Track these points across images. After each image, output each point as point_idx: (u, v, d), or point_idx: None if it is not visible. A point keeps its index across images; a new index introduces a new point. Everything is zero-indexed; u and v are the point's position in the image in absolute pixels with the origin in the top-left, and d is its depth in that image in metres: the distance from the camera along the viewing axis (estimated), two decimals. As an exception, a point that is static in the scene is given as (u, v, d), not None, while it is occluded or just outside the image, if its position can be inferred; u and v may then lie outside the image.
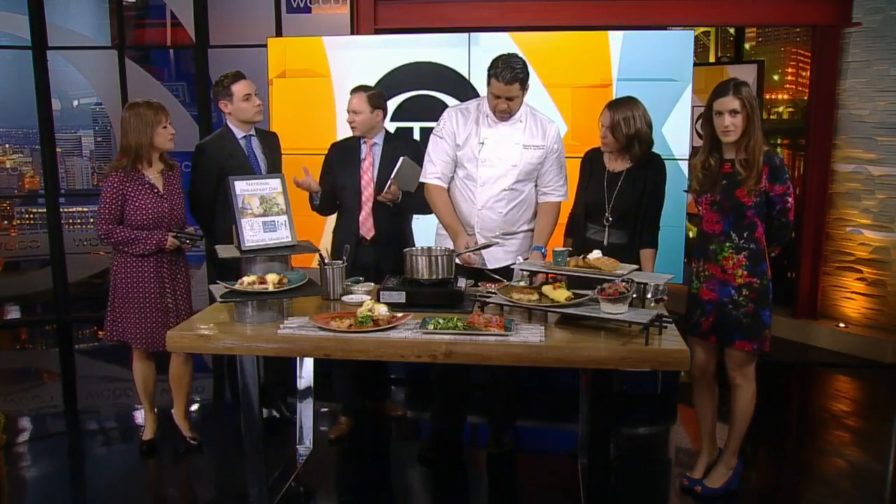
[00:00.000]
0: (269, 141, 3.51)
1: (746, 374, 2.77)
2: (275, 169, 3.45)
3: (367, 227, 3.32)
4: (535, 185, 3.08)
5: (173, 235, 3.09)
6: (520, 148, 2.98)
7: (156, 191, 3.09)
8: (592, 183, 3.06)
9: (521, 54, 2.94)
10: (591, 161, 3.12)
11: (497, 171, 2.98)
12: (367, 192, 3.30)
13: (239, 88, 3.30)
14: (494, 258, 3.04)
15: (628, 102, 2.96)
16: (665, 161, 3.07)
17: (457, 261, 2.74)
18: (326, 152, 3.44)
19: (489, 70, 2.87)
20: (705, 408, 2.95)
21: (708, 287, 2.75)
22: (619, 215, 3.00)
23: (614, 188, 3.00)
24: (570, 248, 2.84)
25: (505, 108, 2.90)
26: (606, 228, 3.03)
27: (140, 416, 3.74)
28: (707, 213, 2.74)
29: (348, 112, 3.31)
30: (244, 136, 3.39)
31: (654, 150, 3.06)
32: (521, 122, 2.99)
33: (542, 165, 3.03)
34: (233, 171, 3.09)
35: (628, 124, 2.90)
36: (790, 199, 2.66)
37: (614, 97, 3.95)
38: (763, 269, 2.69)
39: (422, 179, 3.08)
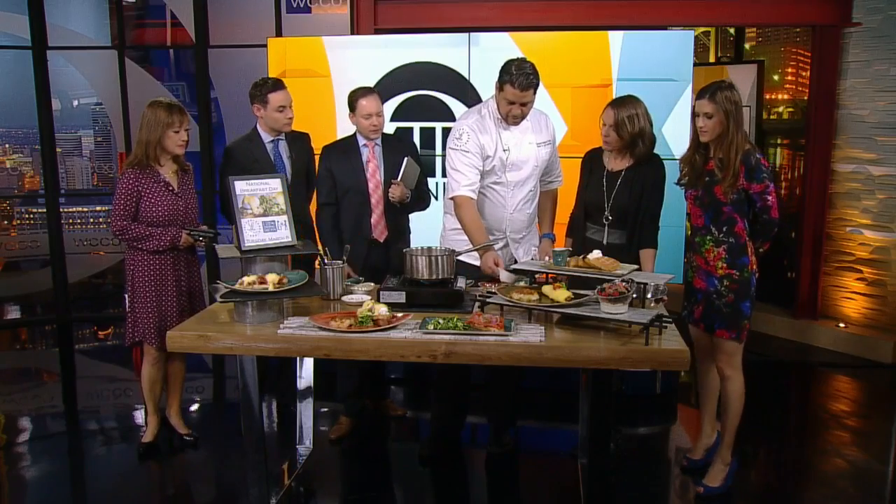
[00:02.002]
0: (298, 143, 3.47)
1: (734, 364, 2.85)
2: (302, 171, 3.44)
3: (379, 230, 3.33)
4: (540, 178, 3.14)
5: (187, 233, 3.11)
6: (534, 147, 3.02)
7: (171, 188, 3.11)
8: (592, 182, 3.09)
9: (521, 54, 2.95)
10: (591, 161, 3.15)
11: (523, 173, 3.01)
12: (378, 195, 3.29)
13: (275, 98, 3.28)
14: (518, 252, 3.10)
15: (631, 101, 2.98)
16: (665, 161, 3.07)
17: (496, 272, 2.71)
18: (320, 156, 3.37)
19: (502, 76, 2.85)
20: (708, 388, 3.05)
21: (698, 277, 2.87)
22: (618, 214, 3.02)
23: (613, 187, 3.02)
24: (570, 249, 2.85)
25: (519, 114, 2.89)
26: (606, 228, 3.05)
27: (140, 416, 3.75)
28: (692, 207, 2.86)
29: (368, 116, 3.22)
30: (272, 141, 3.39)
31: (654, 149, 3.08)
32: (527, 121, 3.00)
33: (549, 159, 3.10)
34: (258, 173, 3.05)
35: (632, 122, 2.92)
36: (769, 198, 2.70)
37: (614, 97, 3.96)
38: (744, 262, 2.76)
39: (454, 193, 2.92)
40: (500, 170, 2.99)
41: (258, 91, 3.30)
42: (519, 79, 2.79)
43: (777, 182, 5.71)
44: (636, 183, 2.99)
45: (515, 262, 3.03)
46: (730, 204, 2.71)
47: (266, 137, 3.37)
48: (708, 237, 2.80)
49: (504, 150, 2.96)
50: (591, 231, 3.11)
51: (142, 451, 3.27)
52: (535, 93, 2.87)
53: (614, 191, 3.02)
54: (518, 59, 2.88)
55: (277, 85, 3.33)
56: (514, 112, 2.88)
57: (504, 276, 2.69)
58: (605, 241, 3.04)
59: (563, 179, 3.24)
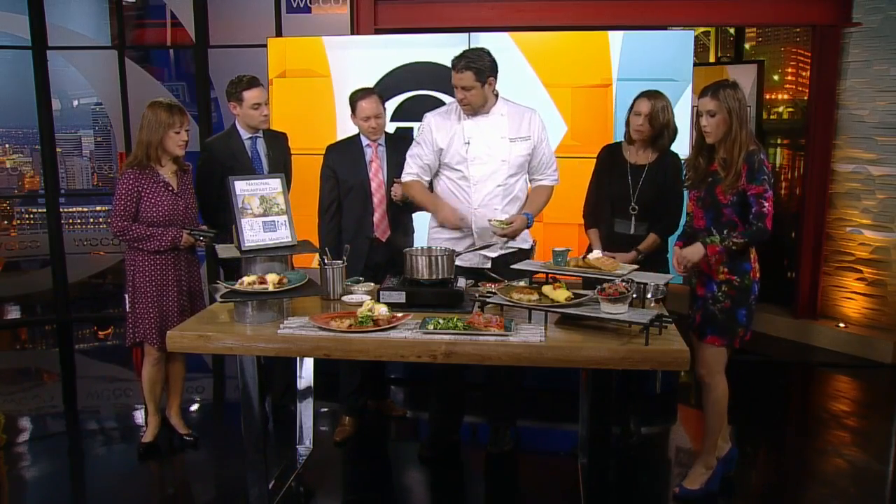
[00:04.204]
0: (276, 142, 3.52)
1: (714, 373, 2.77)
2: (278, 170, 3.46)
3: (382, 229, 3.34)
4: (528, 175, 3.11)
5: (188, 232, 3.12)
6: (506, 142, 2.98)
7: (170, 189, 3.11)
8: (615, 177, 3.14)
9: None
10: (611, 155, 3.21)
11: (488, 167, 2.98)
12: (380, 194, 3.30)
13: (250, 96, 3.32)
14: (492, 250, 3.02)
15: (659, 93, 3.08)
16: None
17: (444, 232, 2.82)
18: (324, 155, 3.40)
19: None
20: None
21: (699, 282, 2.81)
22: (643, 206, 3.10)
23: (638, 180, 3.10)
24: (570, 248, 2.85)
25: (462, 98, 2.90)
26: (633, 218, 3.11)
27: (140, 416, 3.75)
28: (694, 208, 2.81)
29: (367, 118, 3.25)
30: (250, 138, 3.43)
31: None
32: (502, 115, 2.99)
33: (533, 157, 3.04)
34: (235, 171, 3.15)
35: (664, 113, 3.04)
36: (766, 204, 2.58)
37: (614, 97, 3.97)
38: (745, 268, 2.68)
39: (403, 179, 3.11)
40: (461, 163, 2.98)
41: (233, 89, 3.35)
42: (456, 61, 2.83)
43: (777, 182, 5.71)
44: (659, 175, 3.08)
45: (489, 260, 3.02)
46: (729, 206, 2.65)
47: (244, 134, 3.42)
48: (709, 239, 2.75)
49: (465, 143, 2.95)
50: (617, 225, 3.17)
51: (142, 450, 3.27)
52: (478, 79, 2.84)
53: (640, 184, 3.09)
54: (476, 47, 2.94)
55: (252, 83, 3.35)
56: (458, 97, 2.91)
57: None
58: (632, 232, 3.11)
59: (558, 178, 3.17)
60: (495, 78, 2.92)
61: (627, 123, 3.13)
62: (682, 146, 3.95)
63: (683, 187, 2.91)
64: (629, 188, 3.11)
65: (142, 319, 3.13)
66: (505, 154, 2.97)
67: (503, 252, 3.03)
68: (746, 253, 2.69)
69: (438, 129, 2.99)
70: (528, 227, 3.01)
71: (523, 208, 3.06)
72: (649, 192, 3.09)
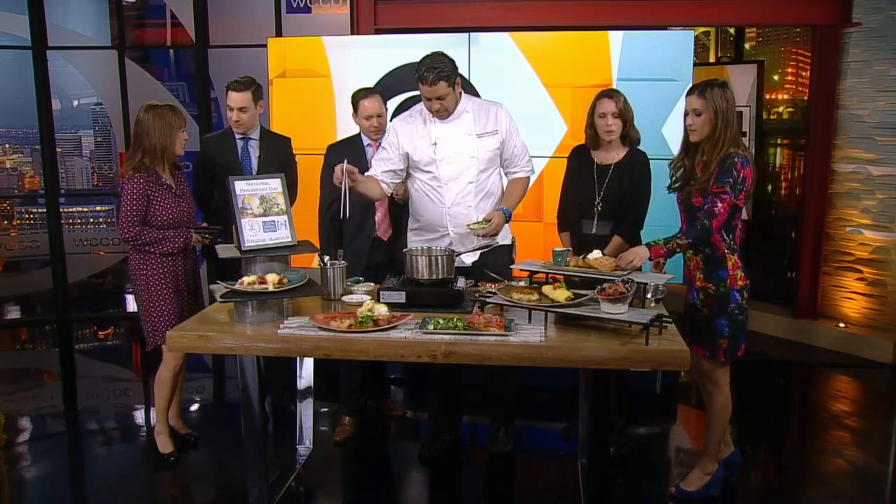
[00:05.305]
0: (273, 145, 3.51)
1: (714, 380, 2.73)
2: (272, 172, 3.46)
3: (384, 228, 3.35)
4: (502, 169, 3.08)
5: (194, 231, 3.12)
6: (474, 139, 2.96)
7: (173, 191, 3.10)
8: (582, 177, 3.14)
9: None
10: (579, 156, 3.21)
11: (458, 165, 2.96)
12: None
13: (229, 97, 3.34)
14: (464, 246, 2.95)
15: (617, 90, 3.14)
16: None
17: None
18: (325, 154, 3.41)
19: (415, 74, 2.86)
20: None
21: (688, 288, 2.77)
22: (608, 206, 3.09)
23: (604, 180, 3.09)
24: (570, 249, 2.85)
25: (438, 108, 2.89)
26: (595, 220, 3.10)
27: (140, 415, 3.75)
28: (679, 211, 2.76)
29: (369, 118, 3.27)
30: (242, 138, 3.44)
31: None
32: (467, 112, 2.97)
33: (504, 150, 3.01)
34: (224, 170, 3.17)
35: (628, 108, 3.08)
36: (720, 205, 2.51)
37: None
38: (721, 275, 2.61)
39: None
40: (430, 164, 2.97)
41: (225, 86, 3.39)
42: (426, 74, 2.80)
43: (777, 182, 5.71)
44: (625, 174, 3.07)
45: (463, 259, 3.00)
46: (700, 209, 2.57)
47: (236, 134, 3.44)
48: (653, 241, 2.68)
49: (433, 144, 2.95)
50: (584, 226, 3.16)
51: (173, 459, 3.19)
52: (449, 85, 2.83)
53: (605, 184, 3.08)
54: (432, 53, 2.86)
55: (237, 86, 3.34)
56: (433, 107, 2.89)
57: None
58: (594, 231, 3.10)
59: (533, 168, 3.14)
60: (459, 77, 2.91)
61: (592, 127, 3.11)
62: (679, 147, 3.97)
63: (671, 191, 2.85)
64: (595, 188, 3.10)
65: (161, 322, 3.07)
66: (473, 150, 2.96)
67: (483, 251, 2.99)
68: (723, 259, 2.61)
69: (404, 134, 2.98)
70: (506, 222, 2.98)
71: (500, 203, 3.03)
72: (615, 192, 3.08)
